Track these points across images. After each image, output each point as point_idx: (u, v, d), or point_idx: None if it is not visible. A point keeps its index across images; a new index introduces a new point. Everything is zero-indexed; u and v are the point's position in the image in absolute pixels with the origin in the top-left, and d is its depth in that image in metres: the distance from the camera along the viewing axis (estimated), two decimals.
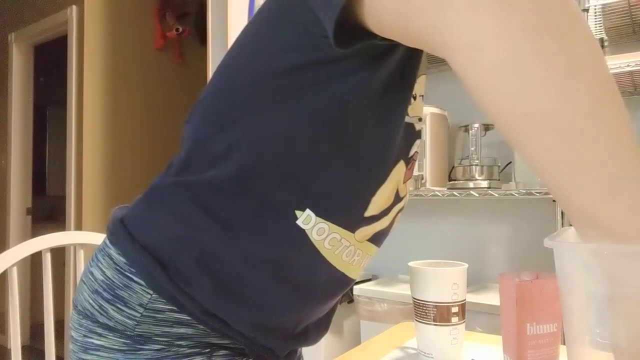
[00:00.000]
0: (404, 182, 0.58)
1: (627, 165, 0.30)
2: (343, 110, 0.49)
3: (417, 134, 0.59)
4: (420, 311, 0.68)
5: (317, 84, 0.48)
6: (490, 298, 1.60)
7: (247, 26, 0.55)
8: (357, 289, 1.86)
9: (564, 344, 0.42)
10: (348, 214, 0.54)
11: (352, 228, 0.55)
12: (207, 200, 0.52)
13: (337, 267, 0.57)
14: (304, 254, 0.53)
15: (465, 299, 0.68)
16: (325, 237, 0.53)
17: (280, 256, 0.53)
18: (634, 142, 0.31)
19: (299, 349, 0.72)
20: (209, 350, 0.55)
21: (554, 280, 0.59)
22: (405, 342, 0.79)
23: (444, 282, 0.66)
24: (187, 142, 0.55)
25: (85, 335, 0.54)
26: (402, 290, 1.78)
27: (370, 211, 0.55)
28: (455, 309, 0.67)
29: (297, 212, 0.51)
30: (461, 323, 0.68)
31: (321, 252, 0.54)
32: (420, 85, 0.58)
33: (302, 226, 0.52)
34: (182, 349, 0.53)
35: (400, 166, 0.56)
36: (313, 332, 0.64)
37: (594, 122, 0.30)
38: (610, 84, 0.31)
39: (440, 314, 0.67)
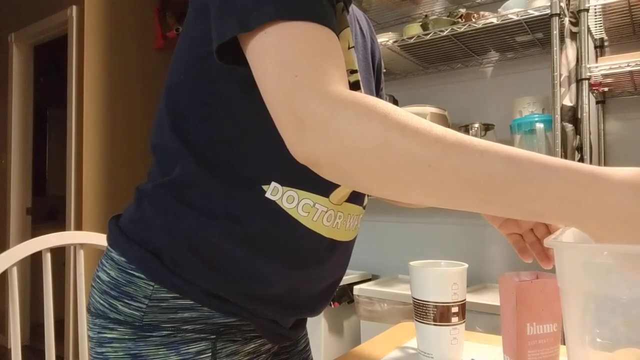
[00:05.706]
0: None
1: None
2: None
3: (352, 85, 0.58)
4: (420, 311, 0.68)
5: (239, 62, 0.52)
6: (490, 298, 1.60)
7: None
8: (357, 289, 1.86)
9: (564, 344, 0.42)
10: (310, 176, 0.54)
11: (323, 192, 0.57)
12: (183, 194, 0.56)
13: (320, 233, 0.58)
14: (284, 225, 0.56)
15: (465, 299, 0.68)
16: (297, 204, 0.56)
17: (260, 231, 0.56)
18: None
19: (305, 329, 0.75)
20: (214, 336, 0.58)
21: (554, 280, 0.59)
22: (405, 342, 0.79)
23: (444, 282, 0.66)
24: (154, 152, 0.60)
25: (99, 332, 0.58)
26: (402, 290, 1.78)
27: None
28: (455, 309, 0.67)
29: (264, 187, 0.55)
30: (461, 323, 0.68)
31: (299, 220, 0.56)
32: (345, 39, 0.58)
33: (272, 198, 0.55)
34: (188, 334, 0.56)
35: None
36: (314, 302, 0.65)
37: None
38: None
39: (440, 314, 0.67)
